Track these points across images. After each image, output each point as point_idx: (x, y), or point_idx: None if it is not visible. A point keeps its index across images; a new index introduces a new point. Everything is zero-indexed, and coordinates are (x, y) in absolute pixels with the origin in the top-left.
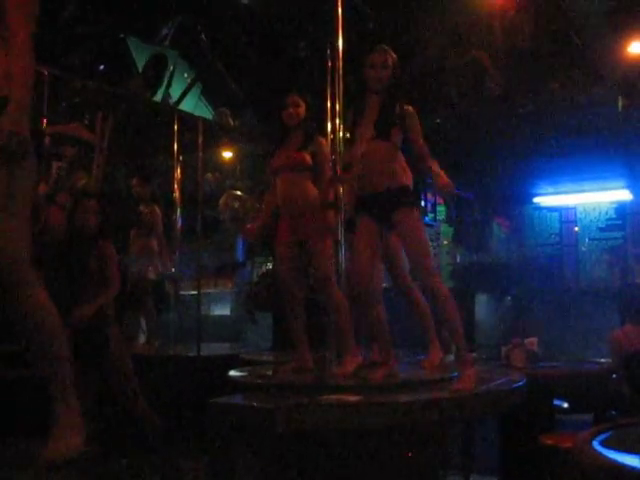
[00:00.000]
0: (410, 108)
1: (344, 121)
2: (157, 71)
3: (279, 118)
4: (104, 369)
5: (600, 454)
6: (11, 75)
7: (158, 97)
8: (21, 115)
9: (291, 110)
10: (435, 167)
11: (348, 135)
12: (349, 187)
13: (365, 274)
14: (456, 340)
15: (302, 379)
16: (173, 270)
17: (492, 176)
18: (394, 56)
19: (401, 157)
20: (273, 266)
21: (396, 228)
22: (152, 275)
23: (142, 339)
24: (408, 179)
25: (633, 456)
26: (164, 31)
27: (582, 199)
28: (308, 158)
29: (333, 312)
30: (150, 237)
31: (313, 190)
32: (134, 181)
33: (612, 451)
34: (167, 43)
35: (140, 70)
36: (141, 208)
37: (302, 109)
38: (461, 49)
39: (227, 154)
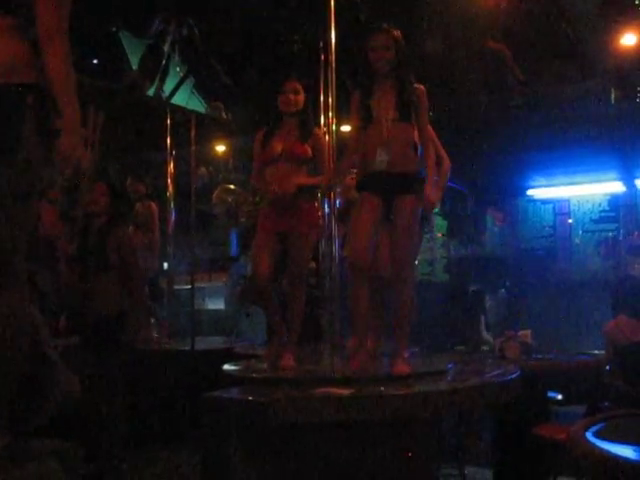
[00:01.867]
0: (421, 87)
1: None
2: (154, 62)
3: (275, 103)
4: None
5: (594, 445)
6: (42, 69)
7: (151, 91)
8: (76, 132)
9: (290, 96)
10: (430, 177)
11: (349, 118)
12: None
13: (364, 247)
14: (402, 339)
15: (296, 372)
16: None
17: (485, 169)
18: (397, 34)
19: (416, 140)
20: None
21: (395, 212)
22: (151, 270)
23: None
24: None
25: (626, 447)
26: (156, 25)
27: (575, 191)
28: (310, 150)
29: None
30: (148, 232)
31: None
32: (128, 181)
33: (605, 442)
34: (160, 38)
35: (133, 64)
36: (137, 205)
37: (301, 97)
38: (471, 39)
39: (220, 148)
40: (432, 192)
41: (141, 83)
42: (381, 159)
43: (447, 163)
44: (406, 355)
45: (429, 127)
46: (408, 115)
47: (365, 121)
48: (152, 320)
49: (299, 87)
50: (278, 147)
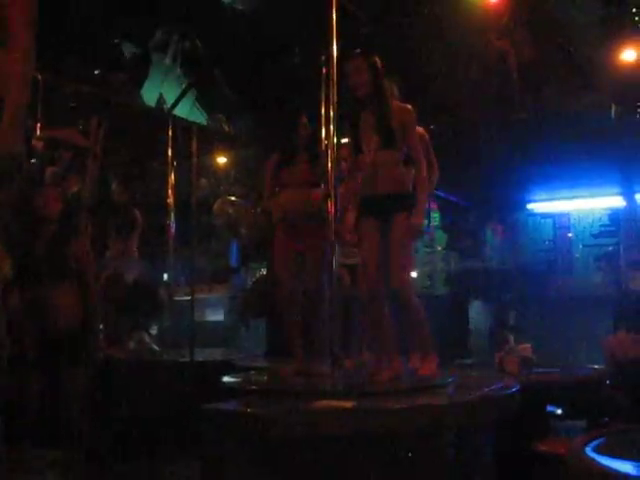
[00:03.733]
0: (407, 106)
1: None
2: (141, 67)
3: (289, 136)
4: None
5: (593, 460)
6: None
7: (153, 102)
8: (16, 126)
9: (302, 133)
10: (421, 199)
11: (347, 141)
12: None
13: (377, 275)
14: (426, 346)
15: (295, 385)
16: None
17: (486, 182)
18: (371, 59)
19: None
20: (267, 272)
21: (389, 231)
22: (130, 277)
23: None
24: (409, 185)
25: (626, 462)
26: (158, 37)
27: (576, 205)
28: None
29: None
30: (129, 240)
31: (315, 204)
32: (113, 186)
33: (605, 457)
34: (162, 49)
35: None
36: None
37: (309, 131)
38: (474, 48)
39: (221, 160)
40: (416, 216)
41: (126, 88)
42: (365, 188)
43: (435, 174)
44: (431, 359)
45: (418, 147)
46: (391, 140)
47: (356, 151)
48: (146, 336)
49: (307, 122)
50: (289, 174)
